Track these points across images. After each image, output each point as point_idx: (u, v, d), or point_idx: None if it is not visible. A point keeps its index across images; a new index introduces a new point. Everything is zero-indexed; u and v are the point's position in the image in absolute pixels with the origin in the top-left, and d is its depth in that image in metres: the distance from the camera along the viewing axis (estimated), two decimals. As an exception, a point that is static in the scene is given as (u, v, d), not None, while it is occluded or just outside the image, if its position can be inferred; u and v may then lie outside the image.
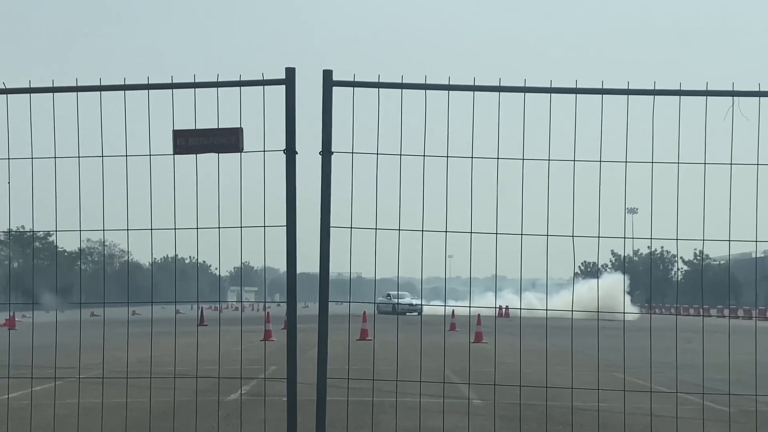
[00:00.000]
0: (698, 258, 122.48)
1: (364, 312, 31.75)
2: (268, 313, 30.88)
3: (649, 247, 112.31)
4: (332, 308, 7.45)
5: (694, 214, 8.07)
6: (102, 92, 7.62)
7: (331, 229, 7.38)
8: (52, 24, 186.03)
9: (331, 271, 7.42)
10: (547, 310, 7.32)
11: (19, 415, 10.79)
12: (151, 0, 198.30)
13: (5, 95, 7.68)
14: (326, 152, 7.35)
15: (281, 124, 7.41)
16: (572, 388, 7.84)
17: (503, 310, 50.08)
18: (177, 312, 9.76)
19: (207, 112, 7.46)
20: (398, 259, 7.39)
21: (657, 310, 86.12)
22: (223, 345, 8.36)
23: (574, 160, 7.47)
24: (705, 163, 7.58)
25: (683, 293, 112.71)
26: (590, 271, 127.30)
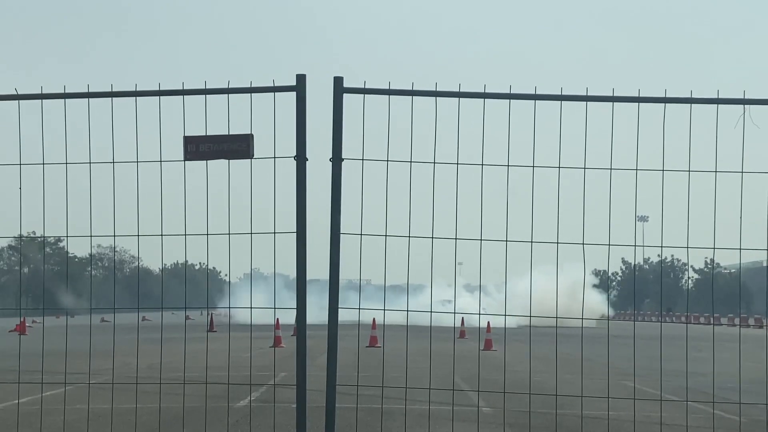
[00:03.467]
0: (709, 266, 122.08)
1: (374, 319, 31.72)
2: (277, 320, 30.89)
3: (659, 255, 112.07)
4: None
5: (705, 222, 8.05)
6: (113, 98, 7.66)
7: (341, 235, 7.38)
8: (62, 30, 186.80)
9: (340, 277, 7.42)
10: (557, 318, 7.30)
11: (29, 421, 10.82)
12: (161, 7, 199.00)
13: (17, 101, 7.72)
14: (336, 159, 7.36)
15: (291, 131, 7.42)
16: (582, 396, 7.81)
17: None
18: (187, 318, 9.77)
19: (218, 119, 7.49)
20: (408, 265, 7.39)
21: (667, 319, 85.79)
22: (233, 351, 8.37)
23: (585, 168, 7.47)
24: (716, 171, 7.57)
25: (694, 302, 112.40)
26: (600, 278, 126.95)
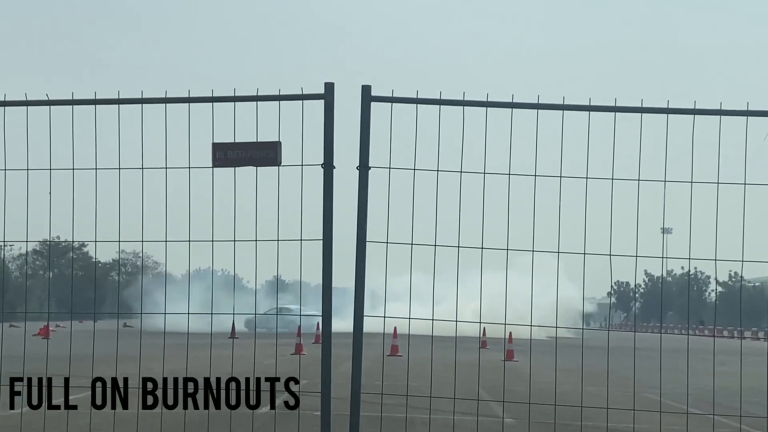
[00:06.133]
0: (733, 279, 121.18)
1: (395, 328, 31.71)
2: (299, 327, 30.93)
3: (683, 267, 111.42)
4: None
5: (729, 234, 8.01)
6: (143, 105, 7.72)
7: (367, 243, 7.40)
8: (93, 37, 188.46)
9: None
10: (583, 329, 7.29)
11: (54, 424, 10.87)
12: (192, 15, 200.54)
13: (48, 106, 7.80)
14: (363, 167, 7.39)
15: (319, 138, 7.45)
16: (608, 408, 7.78)
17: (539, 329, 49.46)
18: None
19: (246, 126, 7.53)
20: (434, 273, 7.40)
21: (690, 331, 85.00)
22: (255, 357, 8.42)
23: (612, 179, 7.45)
24: (745, 184, 7.53)
25: (717, 315, 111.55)
26: (623, 290, 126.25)
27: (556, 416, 9.45)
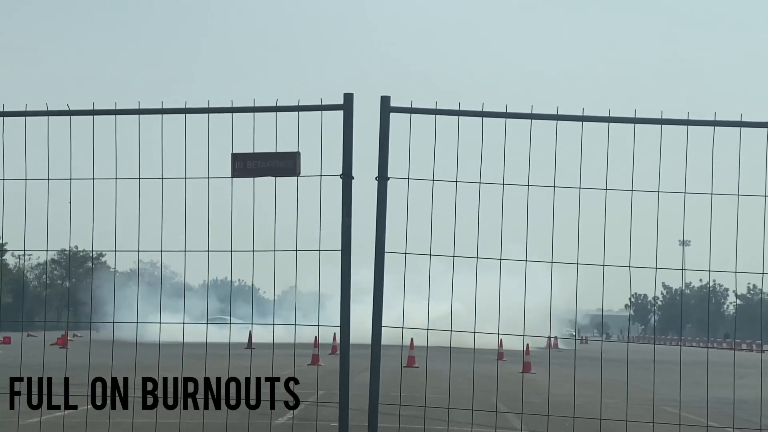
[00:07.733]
0: (752, 292, 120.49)
1: (412, 339, 31.64)
2: (316, 337, 30.88)
3: (701, 279, 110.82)
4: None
5: (748, 246, 7.96)
6: (163, 115, 7.74)
7: (385, 254, 7.39)
8: (113, 47, 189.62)
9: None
10: (602, 341, 7.25)
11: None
12: (212, 26, 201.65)
13: (69, 116, 7.84)
14: (382, 178, 7.38)
15: (338, 149, 7.45)
16: (627, 420, 7.73)
17: (554, 340, 49.50)
18: (230, 333, 9.85)
19: (265, 136, 7.55)
20: (452, 285, 7.38)
21: (708, 345, 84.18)
22: (269, 369, 8.45)
23: (632, 190, 7.42)
24: (766, 196, 7.48)
25: (735, 328, 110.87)
26: (640, 303, 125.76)
27: (575, 429, 9.41)
